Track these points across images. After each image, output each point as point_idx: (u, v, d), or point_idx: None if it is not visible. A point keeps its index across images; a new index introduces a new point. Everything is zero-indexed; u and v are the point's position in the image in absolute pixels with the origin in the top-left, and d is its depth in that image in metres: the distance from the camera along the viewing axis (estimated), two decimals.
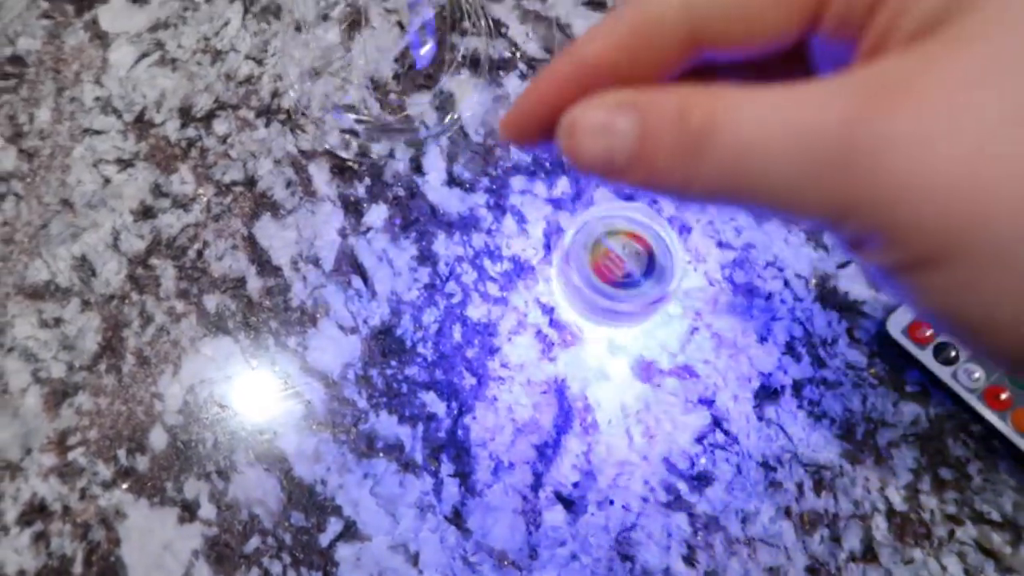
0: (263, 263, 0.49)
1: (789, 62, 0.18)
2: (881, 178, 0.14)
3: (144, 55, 0.55)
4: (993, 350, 0.15)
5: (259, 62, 0.54)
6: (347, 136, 0.51)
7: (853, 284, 0.44)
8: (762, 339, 0.44)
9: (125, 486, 0.45)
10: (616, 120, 0.17)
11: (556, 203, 0.47)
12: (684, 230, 0.46)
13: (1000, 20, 0.14)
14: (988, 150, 0.13)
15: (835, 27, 0.16)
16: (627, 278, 0.40)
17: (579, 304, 0.41)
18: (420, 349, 0.45)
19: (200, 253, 0.49)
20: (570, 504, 0.42)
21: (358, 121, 0.51)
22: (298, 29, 0.54)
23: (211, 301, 0.48)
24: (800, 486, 0.41)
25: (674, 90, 0.16)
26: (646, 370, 0.44)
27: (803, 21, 0.17)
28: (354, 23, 0.54)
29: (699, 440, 0.42)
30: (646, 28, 0.18)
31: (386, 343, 0.46)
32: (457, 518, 0.42)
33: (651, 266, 0.40)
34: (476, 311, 0.46)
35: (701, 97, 0.16)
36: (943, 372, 0.41)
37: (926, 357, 0.41)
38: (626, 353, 0.44)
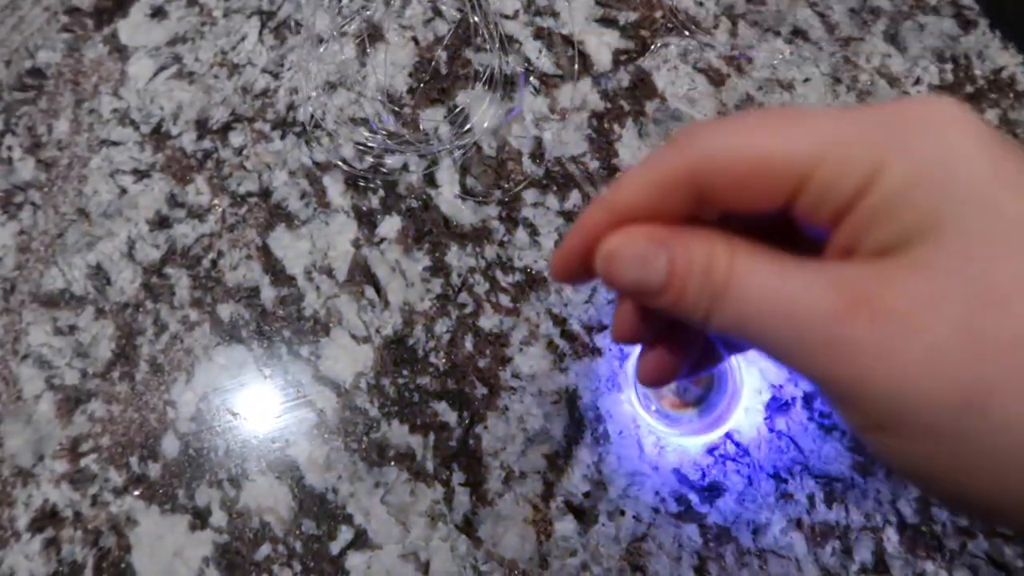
0: (277, 273, 0.49)
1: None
2: (852, 366, 0.18)
3: (162, 68, 0.56)
4: (936, 496, 0.20)
5: (275, 76, 0.55)
6: (361, 149, 0.51)
7: None
8: None
9: (136, 493, 0.45)
10: (651, 256, 0.21)
11: (568, 215, 0.48)
12: None
13: (951, 253, 0.18)
14: (923, 366, 0.18)
15: (807, 213, 0.20)
16: (695, 400, 0.41)
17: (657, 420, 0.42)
18: (432, 359, 0.46)
19: (215, 263, 0.50)
20: (581, 514, 0.42)
21: (372, 134, 0.52)
22: (315, 44, 0.55)
23: (225, 310, 0.49)
24: (811, 498, 0.41)
25: (703, 237, 0.21)
26: None
27: (781, 201, 0.20)
28: (370, 38, 0.55)
29: (710, 451, 0.42)
30: (662, 187, 0.22)
31: (398, 353, 0.46)
32: (468, 527, 0.42)
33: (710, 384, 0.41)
34: (488, 322, 0.46)
35: (723, 254, 0.20)
36: None
37: None
38: None
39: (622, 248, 0.22)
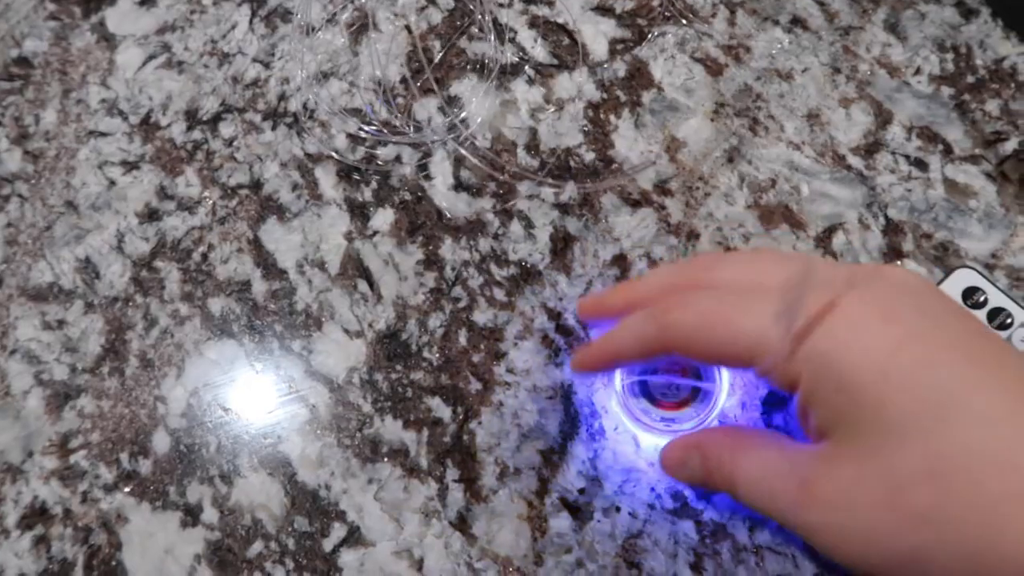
0: (268, 266, 0.48)
1: None
2: (816, 540, 0.27)
3: (151, 57, 0.55)
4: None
5: (266, 65, 0.54)
6: (354, 140, 0.51)
7: None
8: None
9: (127, 490, 0.44)
10: (690, 458, 0.34)
11: (563, 208, 0.47)
12: (692, 236, 0.46)
13: (860, 446, 0.25)
14: (865, 542, 0.25)
15: (763, 375, 0.29)
16: (685, 399, 0.41)
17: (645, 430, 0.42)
18: (426, 354, 0.45)
19: (205, 256, 0.49)
20: (576, 510, 0.41)
21: (365, 125, 0.51)
22: (306, 33, 0.54)
23: (216, 304, 0.48)
24: None
25: (720, 442, 0.33)
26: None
27: (741, 366, 0.29)
28: (362, 27, 0.54)
29: None
30: (643, 350, 0.33)
31: (391, 347, 0.46)
32: (462, 524, 0.42)
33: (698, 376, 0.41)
34: (482, 316, 0.46)
35: (727, 456, 0.32)
36: None
37: None
38: None
39: (673, 455, 0.36)
